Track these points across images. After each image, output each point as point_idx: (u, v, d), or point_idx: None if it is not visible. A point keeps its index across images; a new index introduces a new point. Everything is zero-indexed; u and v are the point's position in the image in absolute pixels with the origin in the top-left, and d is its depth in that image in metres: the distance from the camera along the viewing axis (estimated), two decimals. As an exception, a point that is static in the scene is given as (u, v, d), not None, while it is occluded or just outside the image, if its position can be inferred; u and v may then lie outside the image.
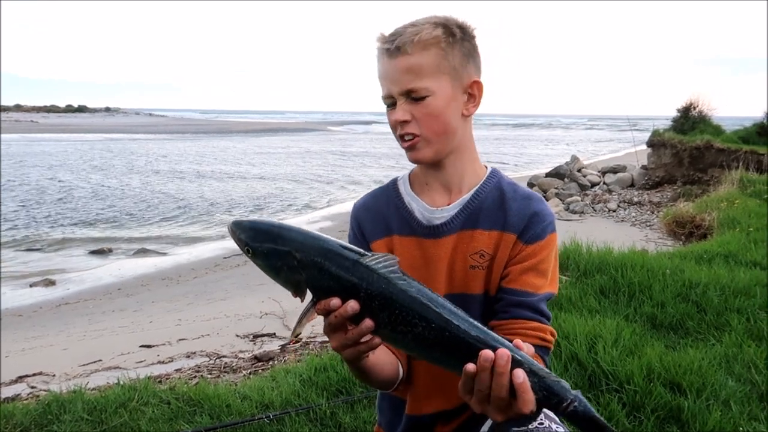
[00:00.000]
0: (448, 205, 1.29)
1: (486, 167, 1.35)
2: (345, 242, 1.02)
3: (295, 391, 2.23)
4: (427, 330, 0.97)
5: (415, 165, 1.34)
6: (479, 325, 0.99)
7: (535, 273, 1.24)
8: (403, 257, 1.29)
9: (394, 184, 1.38)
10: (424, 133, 1.22)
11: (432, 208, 1.30)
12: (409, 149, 1.25)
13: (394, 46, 1.18)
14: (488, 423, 1.24)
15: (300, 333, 1.05)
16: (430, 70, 1.19)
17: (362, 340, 1.01)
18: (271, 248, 0.99)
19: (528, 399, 0.94)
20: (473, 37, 1.24)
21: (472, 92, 1.24)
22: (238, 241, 1.05)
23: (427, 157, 1.25)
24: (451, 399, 1.29)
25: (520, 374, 0.93)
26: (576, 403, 0.95)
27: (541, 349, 1.21)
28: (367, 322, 0.98)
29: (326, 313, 0.99)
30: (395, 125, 1.23)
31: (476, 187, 1.29)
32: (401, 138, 1.24)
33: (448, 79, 1.21)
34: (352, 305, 0.97)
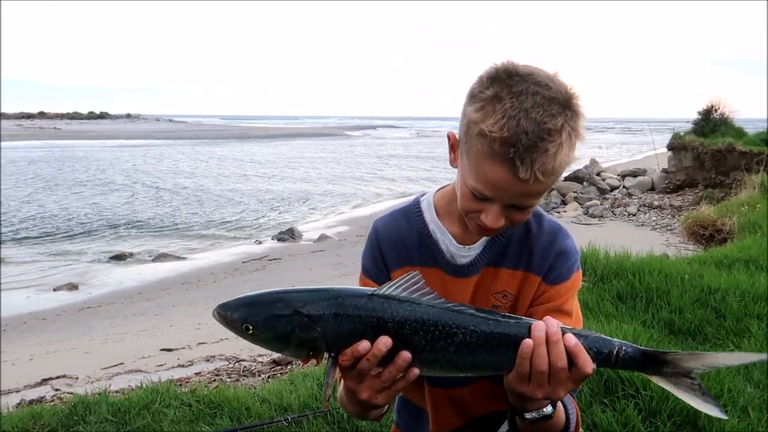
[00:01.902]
0: (475, 243, 1.21)
1: None
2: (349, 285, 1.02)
3: (313, 394, 2.26)
4: (467, 335, 0.96)
5: (444, 188, 1.28)
6: (508, 314, 1.02)
7: (560, 314, 1.16)
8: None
9: (417, 207, 1.27)
10: (512, 226, 1.14)
11: (460, 246, 1.21)
12: (483, 233, 1.16)
13: (532, 175, 0.98)
14: (505, 424, 1.25)
15: (331, 394, 0.99)
16: (544, 192, 1.07)
17: (398, 376, 0.96)
18: (274, 315, 0.93)
19: (586, 358, 0.95)
20: None
21: None
22: (231, 323, 0.96)
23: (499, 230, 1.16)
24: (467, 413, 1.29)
25: (571, 337, 0.95)
26: (625, 348, 0.97)
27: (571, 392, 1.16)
28: (404, 355, 0.94)
29: (354, 362, 0.94)
30: (483, 225, 1.09)
31: None
32: (482, 228, 1.11)
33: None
34: (385, 341, 0.92)
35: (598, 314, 2.99)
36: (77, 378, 4.42)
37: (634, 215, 11.86)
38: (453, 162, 1.17)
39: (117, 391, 2.70)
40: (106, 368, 4.64)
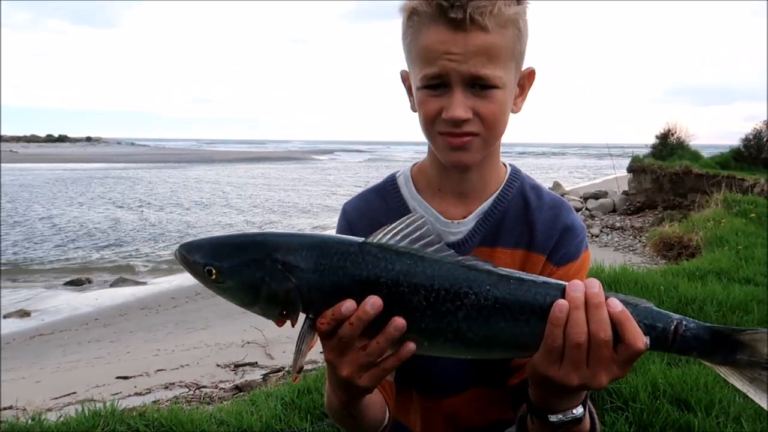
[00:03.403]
0: (464, 218, 1.07)
1: (506, 166, 1.13)
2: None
3: (277, 415, 2.10)
4: (481, 297, 0.76)
5: (419, 162, 1.15)
6: (534, 275, 0.80)
7: None
8: None
9: (392, 183, 1.14)
10: (485, 133, 0.97)
11: (446, 221, 1.06)
12: (457, 149, 0.98)
13: (467, 16, 0.89)
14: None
15: (303, 366, 0.80)
16: (505, 55, 0.93)
17: (389, 352, 0.77)
18: (242, 258, 0.77)
19: (635, 330, 0.74)
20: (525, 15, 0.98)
21: (524, 83, 1.03)
22: (192, 265, 0.80)
23: (476, 160, 1.01)
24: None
25: (616, 302, 0.75)
26: (685, 323, 0.77)
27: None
28: (398, 321, 0.74)
29: (335, 326, 0.75)
30: (449, 119, 0.95)
31: (496, 195, 1.07)
32: (450, 135, 0.97)
33: (513, 68, 0.97)
34: (373, 301, 0.74)
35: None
36: (25, 409, 4.13)
37: (597, 236, 12.03)
38: (413, 105, 1.03)
39: (59, 418, 2.47)
40: (56, 398, 4.38)
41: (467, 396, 1.12)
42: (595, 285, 0.77)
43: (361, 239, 0.79)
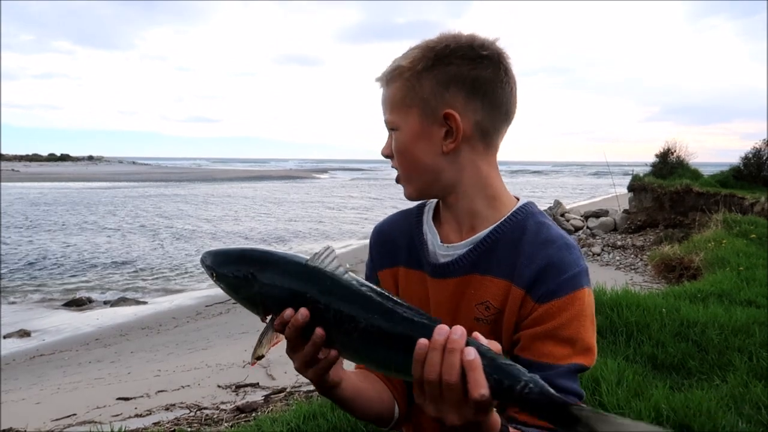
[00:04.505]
0: (459, 242, 1.11)
1: (518, 199, 1.15)
2: (304, 256, 0.98)
3: (284, 440, 2.10)
4: (369, 324, 0.88)
5: None
6: (425, 313, 0.91)
7: (554, 341, 1.01)
8: (408, 292, 1.18)
9: (420, 208, 1.23)
10: (400, 169, 1.12)
11: (442, 244, 1.13)
12: (398, 183, 1.15)
13: (380, 76, 1.12)
14: None
15: (262, 355, 0.97)
16: (397, 103, 1.08)
17: (320, 355, 0.93)
18: (231, 268, 0.99)
19: (478, 379, 0.82)
20: (470, 60, 1.05)
21: (449, 125, 1.06)
22: (205, 268, 1.03)
23: (410, 194, 1.14)
24: None
25: (471, 351, 0.83)
26: (531, 385, 0.82)
27: None
28: (318, 331, 0.90)
29: (282, 328, 0.92)
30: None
31: (495, 225, 1.10)
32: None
33: (417, 113, 1.06)
34: (302, 312, 0.90)
35: (580, 350, 2.91)
36: (25, 431, 4.11)
37: (598, 255, 12.00)
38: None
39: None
40: (56, 420, 4.36)
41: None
42: (458, 332, 0.84)
43: (307, 259, 0.94)
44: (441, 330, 0.84)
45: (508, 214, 1.11)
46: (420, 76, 1.06)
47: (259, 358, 0.96)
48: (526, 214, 1.12)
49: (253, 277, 0.95)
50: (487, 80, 1.06)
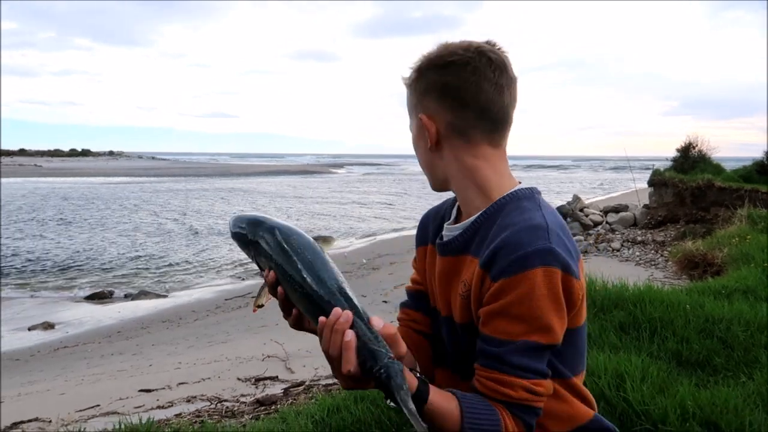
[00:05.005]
0: (458, 223, 1.26)
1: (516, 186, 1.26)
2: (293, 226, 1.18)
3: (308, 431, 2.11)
4: (302, 286, 1.08)
5: None
6: (347, 288, 1.08)
7: (507, 318, 1.07)
8: (430, 267, 1.33)
9: (456, 198, 1.37)
10: None
11: (449, 225, 1.29)
12: None
13: None
14: None
15: (261, 305, 1.24)
16: (407, 109, 1.29)
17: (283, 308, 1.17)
18: (240, 231, 1.21)
19: (348, 358, 1.01)
20: (440, 68, 1.19)
21: (426, 129, 1.23)
22: (230, 228, 1.26)
23: (431, 185, 1.30)
24: None
25: (349, 333, 1.02)
26: (383, 370, 1.00)
27: (511, 406, 1.08)
28: (279, 289, 1.14)
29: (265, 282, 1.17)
30: None
31: (482, 210, 1.20)
32: None
33: (414, 118, 1.26)
34: (271, 274, 1.14)
35: (603, 345, 2.89)
36: (50, 421, 4.19)
37: (618, 251, 11.87)
38: None
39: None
40: (81, 410, 4.42)
41: (442, 374, 1.33)
42: (344, 316, 1.03)
43: (282, 232, 1.16)
44: (335, 312, 1.04)
45: (497, 200, 1.20)
46: (410, 88, 1.26)
47: (260, 306, 1.24)
48: (510, 198, 1.20)
49: (251, 242, 1.18)
50: (454, 85, 1.18)
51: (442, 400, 1.08)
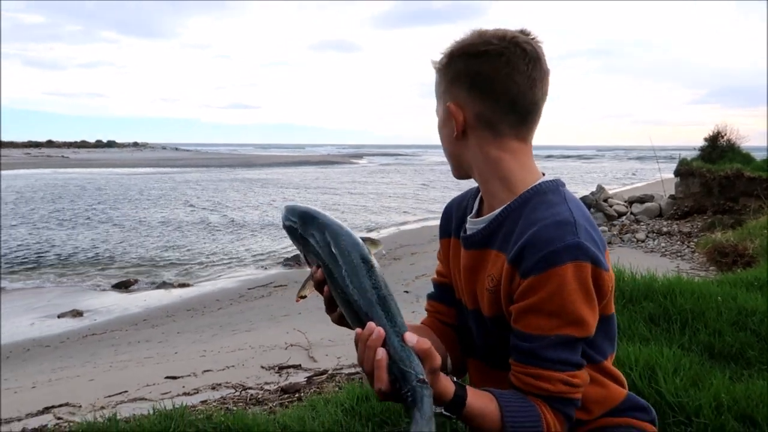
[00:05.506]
0: (482, 217, 1.25)
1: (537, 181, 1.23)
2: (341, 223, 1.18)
3: (338, 420, 2.12)
4: (346, 293, 1.10)
5: None
6: (388, 298, 1.08)
7: (539, 315, 1.07)
8: (454, 259, 1.32)
9: (479, 188, 1.35)
10: None
11: (472, 219, 1.28)
12: None
13: None
14: None
15: (305, 296, 1.22)
16: (435, 95, 1.27)
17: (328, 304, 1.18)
18: (291, 225, 1.23)
19: (379, 376, 1.00)
20: (473, 57, 1.16)
21: (452, 116, 1.21)
22: (282, 219, 1.28)
23: (453, 173, 1.30)
24: None
25: (381, 352, 1.00)
26: (410, 393, 0.98)
27: (550, 399, 1.08)
28: (325, 288, 1.16)
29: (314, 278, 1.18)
30: None
31: (506, 204, 1.19)
32: None
33: (441, 105, 1.25)
34: (319, 272, 1.16)
35: (633, 336, 2.85)
36: (80, 406, 4.28)
37: (642, 242, 11.69)
38: None
39: (127, 419, 2.54)
40: (109, 396, 4.51)
41: (472, 364, 1.34)
42: (377, 333, 1.02)
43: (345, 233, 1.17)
44: (369, 327, 1.03)
45: (521, 193, 1.18)
46: (440, 73, 1.24)
47: (303, 297, 1.23)
48: (535, 191, 1.18)
49: (302, 238, 1.20)
50: (486, 75, 1.15)
51: (481, 401, 1.08)
